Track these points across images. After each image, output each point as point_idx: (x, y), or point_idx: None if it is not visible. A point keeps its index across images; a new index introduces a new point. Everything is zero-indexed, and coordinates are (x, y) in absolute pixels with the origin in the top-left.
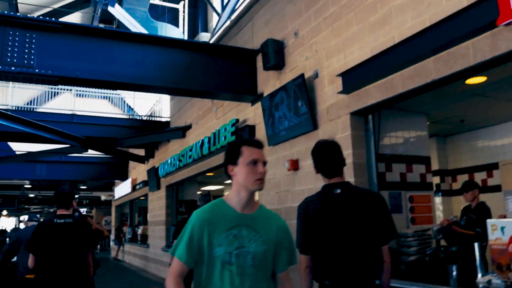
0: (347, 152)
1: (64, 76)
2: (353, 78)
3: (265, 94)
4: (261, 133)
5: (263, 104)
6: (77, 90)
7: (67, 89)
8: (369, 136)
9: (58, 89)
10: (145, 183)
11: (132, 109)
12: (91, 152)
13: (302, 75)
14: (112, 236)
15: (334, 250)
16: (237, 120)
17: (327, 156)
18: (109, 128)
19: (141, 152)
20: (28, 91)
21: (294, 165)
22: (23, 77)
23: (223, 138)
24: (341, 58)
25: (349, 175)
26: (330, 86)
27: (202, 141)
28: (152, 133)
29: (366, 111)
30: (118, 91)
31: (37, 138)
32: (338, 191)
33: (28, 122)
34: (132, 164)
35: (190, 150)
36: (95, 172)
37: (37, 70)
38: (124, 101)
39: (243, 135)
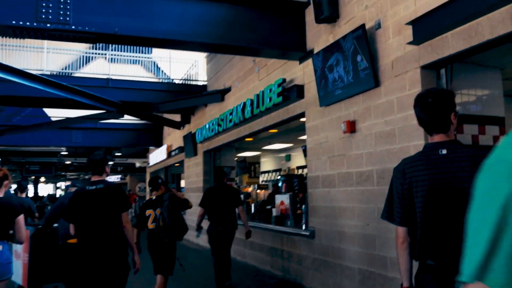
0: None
1: (102, 33)
2: (427, 26)
3: (316, 50)
4: (310, 93)
5: (314, 63)
6: (111, 55)
7: (101, 55)
8: None
9: (92, 54)
10: (181, 149)
11: (165, 74)
12: (126, 118)
13: (362, 26)
14: None
15: (440, 223)
16: (284, 80)
17: (429, 107)
18: (144, 92)
19: (176, 117)
20: (62, 56)
21: (351, 127)
22: (59, 35)
23: (268, 100)
24: (410, 5)
25: (417, 137)
26: (396, 37)
27: (244, 103)
28: (189, 97)
29: (439, 64)
30: (152, 55)
31: (73, 103)
32: (444, 151)
33: (64, 87)
34: (167, 130)
35: (231, 113)
36: (130, 139)
37: (73, 27)
38: (158, 66)
39: (290, 95)
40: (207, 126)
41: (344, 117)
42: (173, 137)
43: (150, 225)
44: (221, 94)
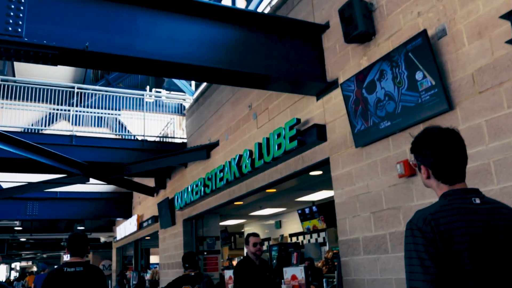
0: None
1: (67, 48)
2: None
3: (341, 81)
4: (336, 134)
5: (344, 88)
6: (75, 111)
7: (63, 111)
8: None
9: (52, 110)
10: (154, 219)
11: (134, 136)
12: (90, 186)
13: (422, 33)
14: (113, 283)
15: (497, 279)
16: (298, 121)
17: (452, 151)
18: (114, 152)
19: (150, 182)
20: (17, 113)
21: (411, 169)
22: (6, 49)
23: (276, 148)
24: None
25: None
26: (476, 41)
27: (240, 156)
28: (166, 155)
29: None
30: (119, 112)
31: (29, 166)
32: (478, 200)
33: (25, 145)
34: (137, 199)
35: (221, 170)
36: (94, 210)
37: (26, 39)
38: (125, 127)
39: (308, 139)
40: (189, 189)
41: (394, 157)
42: (145, 206)
43: None
44: (206, 150)
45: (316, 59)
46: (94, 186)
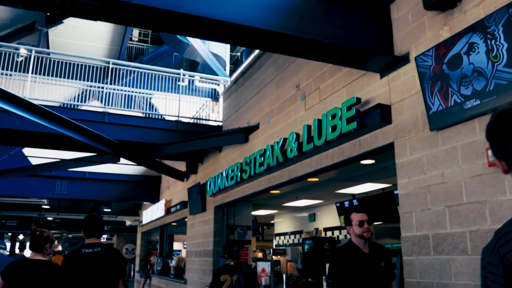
0: None
1: None
2: None
3: (414, 55)
4: (404, 115)
5: (419, 64)
6: (108, 88)
7: (95, 94)
8: None
9: (88, 87)
10: (183, 205)
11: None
12: (118, 168)
13: None
14: (137, 267)
15: None
16: (358, 100)
17: None
18: (146, 131)
19: (181, 166)
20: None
21: None
22: None
23: (330, 130)
24: None
25: None
26: None
27: (285, 140)
28: (202, 136)
29: None
30: (152, 92)
31: (62, 142)
32: None
33: (61, 120)
34: (165, 183)
35: (261, 155)
36: (122, 192)
37: None
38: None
39: (368, 121)
40: (223, 174)
41: (481, 143)
42: (173, 191)
43: None
44: (244, 133)
45: (383, 31)
46: (123, 167)
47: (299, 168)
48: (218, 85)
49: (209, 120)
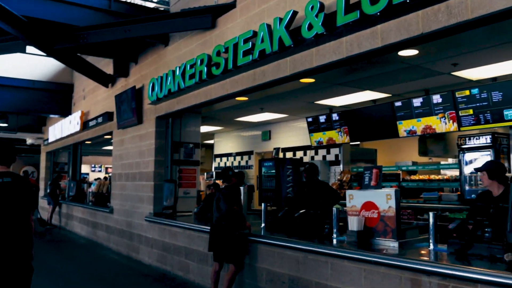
0: None
1: None
2: None
3: None
4: None
5: None
6: None
7: None
8: None
9: None
10: (108, 117)
11: None
12: (19, 71)
13: None
14: (41, 192)
15: None
16: None
17: None
18: (67, 8)
19: (104, 68)
20: None
21: None
22: None
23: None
24: None
25: None
26: None
27: (294, 14)
28: (147, 19)
29: None
30: None
31: None
32: None
33: None
34: (80, 92)
35: (247, 40)
36: (23, 103)
37: None
38: None
39: None
40: (177, 72)
41: None
42: (92, 101)
43: None
44: (211, 15)
45: None
46: (26, 69)
47: (305, 59)
48: None
49: (152, 1)
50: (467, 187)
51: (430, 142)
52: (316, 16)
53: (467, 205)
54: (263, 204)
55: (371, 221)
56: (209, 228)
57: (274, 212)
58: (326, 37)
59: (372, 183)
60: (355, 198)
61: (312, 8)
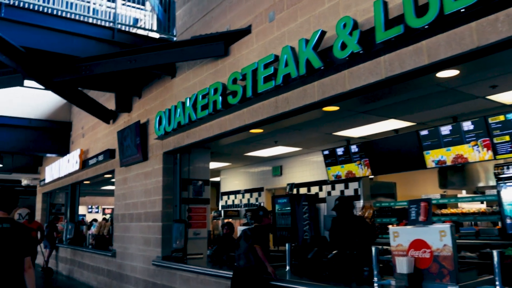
0: None
1: None
2: None
3: None
4: None
5: None
6: None
7: None
8: None
9: None
10: (109, 154)
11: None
12: (15, 110)
13: None
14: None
15: None
16: None
17: None
18: (67, 38)
19: (106, 104)
20: None
21: None
22: None
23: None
24: None
25: None
26: None
27: (322, 34)
28: (155, 48)
29: None
30: None
31: None
32: None
33: None
34: (78, 130)
35: (268, 64)
36: (20, 142)
37: None
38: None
39: None
40: (187, 103)
41: None
42: (92, 139)
43: None
44: (224, 42)
45: None
46: (23, 108)
47: (336, 82)
48: None
49: (154, 31)
50: (508, 221)
51: (450, 174)
52: (350, 34)
53: (510, 239)
54: (287, 245)
55: (422, 262)
56: (224, 272)
57: (299, 253)
58: (361, 57)
59: (421, 218)
60: (401, 236)
61: (344, 26)
